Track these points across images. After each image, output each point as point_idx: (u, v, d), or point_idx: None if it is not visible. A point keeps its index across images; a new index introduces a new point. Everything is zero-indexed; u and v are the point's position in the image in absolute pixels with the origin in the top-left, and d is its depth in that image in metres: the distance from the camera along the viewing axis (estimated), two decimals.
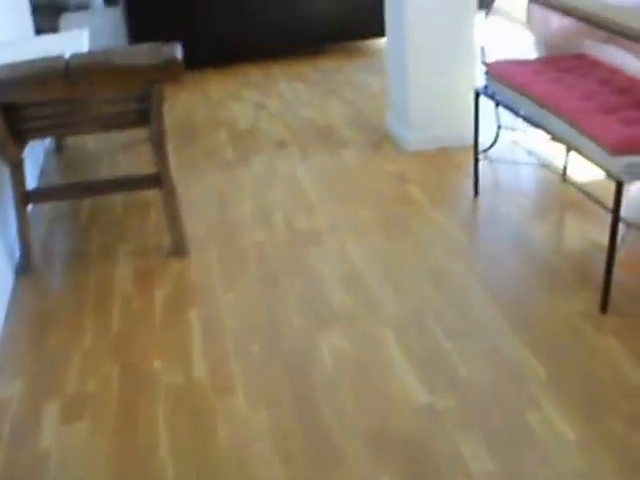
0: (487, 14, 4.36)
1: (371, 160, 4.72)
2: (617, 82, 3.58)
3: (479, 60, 4.44)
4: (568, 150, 3.70)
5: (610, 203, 3.71)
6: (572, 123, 3.24)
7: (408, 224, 3.95)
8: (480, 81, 4.35)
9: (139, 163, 4.85)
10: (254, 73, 6.62)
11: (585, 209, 3.99)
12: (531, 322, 3.09)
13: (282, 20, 6.70)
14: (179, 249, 3.76)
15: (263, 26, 6.68)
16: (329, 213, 4.10)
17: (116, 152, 5.09)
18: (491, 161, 4.56)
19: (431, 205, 4.13)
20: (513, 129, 4.68)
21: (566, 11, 3.65)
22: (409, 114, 4.75)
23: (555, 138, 3.41)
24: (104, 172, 4.80)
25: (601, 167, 3.06)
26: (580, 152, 3.21)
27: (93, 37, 6.65)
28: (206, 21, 6.57)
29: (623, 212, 3.10)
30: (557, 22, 4.21)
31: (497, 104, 3.95)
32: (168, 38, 6.47)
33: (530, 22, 4.51)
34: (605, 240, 3.64)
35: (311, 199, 4.27)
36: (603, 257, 3.48)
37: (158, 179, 3.67)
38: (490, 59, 4.23)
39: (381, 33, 6.77)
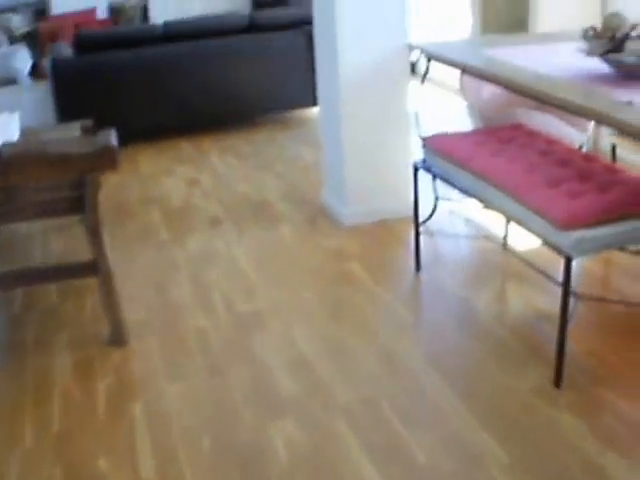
0: (422, 82, 4.36)
1: (309, 236, 4.67)
2: (556, 153, 3.59)
3: (414, 129, 4.44)
4: (509, 220, 3.68)
5: (552, 270, 3.71)
6: (517, 198, 3.23)
7: (351, 303, 3.88)
8: (416, 150, 4.33)
9: (74, 245, 4.73)
10: (186, 147, 6.55)
11: (528, 278, 3.98)
12: (488, 403, 3.04)
13: (213, 92, 6.66)
14: (119, 338, 3.65)
15: (194, 99, 6.62)
16: (270, 294, 4.02)
17: (50, 234, 4.96)
18: (431, 233, 4.54)
19: (373, 282, 4.08)
20: (450, 199, 4.66)
21: (497, 81, 3.66)
22: (345, 187, 4.71)
23: (500, 212, 3.39)
24: (38, 256, 4.67)
25: (549, 243, 3.04)
26: (526, 227, 3.19)
27: (21, 114, 6.52)
28: (136, 96, 6.50)
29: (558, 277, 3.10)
30: (489, 90, 4.22)
31: (435, 178, 3.94)
32: (98, 114, 6.38)
33: (463, 90, 4.53)
34: (550, 309, 3.65)
35: (250, 279, 4.19)
36: (551, 328, 3.46)
37: (94, 267, 3.56)
38: (425, 129, 4.24)
39: (312, 103, 6.75)
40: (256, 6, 9.94)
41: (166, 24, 6.74)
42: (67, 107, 6.44)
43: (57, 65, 6.44)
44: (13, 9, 10.14)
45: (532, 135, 3.86)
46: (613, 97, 3.13)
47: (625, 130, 2.92)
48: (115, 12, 10.19)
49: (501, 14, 6.28)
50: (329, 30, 4.50)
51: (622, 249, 3.84)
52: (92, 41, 6.58)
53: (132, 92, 6.50)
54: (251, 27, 6.83)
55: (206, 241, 4.70)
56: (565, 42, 4.13)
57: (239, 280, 4.19)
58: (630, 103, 3.03)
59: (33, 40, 9.74)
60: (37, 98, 6.69)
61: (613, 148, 4.19)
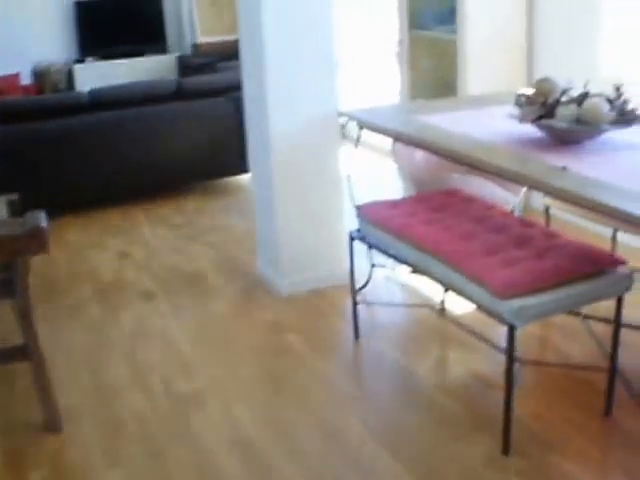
0: (355, 146, 4.35)
1: (244, 308, 4.60)
2: (493, 219, 3.58)
3: (348, 195, 4.41)
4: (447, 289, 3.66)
5: (491, 333, 3.68)
6: (454, 267, 3.21)
7: (292, 377, 3.82)
8: (352, 216, 4.29)
9: (1, 327, 4.58)
10: (116, 219, 6.44)
11: (468, 343, 3.96)
12: (437, 475, 2.98)
13: (141, 161, 6.57)
14: (53, 424, 3.52)
15: (122, 168, 6.53)
16: (208, 371, 3.94)
17: None
18: (367, 301, 4.50)
19: (313, 354, 4.02)
20: (386, 266, 4.63)
21: (431, 149, 3.66)
22: (279, 257, 4.66)
23: (438, 282, 3.36)
24: None
25: (490, 311, 3.02)
26: (466, 296, 3.16)
27: None
28: (63, 167, 6.39)
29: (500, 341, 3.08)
30: (422, 156, 4.23)
31: (371, 247, 3.91)
32: (23, 187, 6.25)
33: (395, 156, 4.53)
34: (492, 373, 3.65)
35: (187, 356, 4.10)
36: (495, 393, 3.45)
37: (25, 351, 3.45)
38: (359, 195, 4.22)
39: (242, 170, 6.71)
40: (183, 73, 9.92)
41: (92, 92, 6.67)
42: None
43: None
44: None
45: (467, 201, 3.86)
46: (547, 163, 3.14)
47: (561, 196, 2.93)
48: (39, 77, 10.07)
49: (429, 77, 6.33)
50: (259, 96, 4.48)
51: None
52: (14, 111, 6.47)
53: (58, 163, 6.38)
54: (179, 94, 6.78)
55: (140, 317, 4.59)
56: (496, 106, 4.17)
57: (176, 358, 4.09)
58: (564, 169, 3.04)
59: None
60: None
61: (547, 210, 4.21)
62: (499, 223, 3.53)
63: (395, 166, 4.51)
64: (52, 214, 6.49)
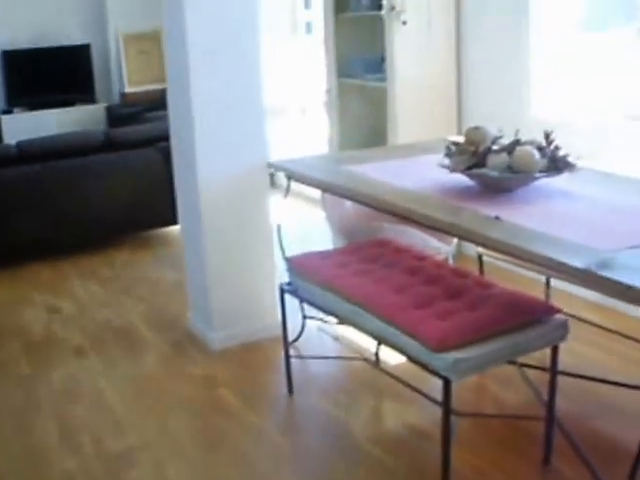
0: (285, 196, 4.31)
1: (176, 363, 4.52)
2: (425, 270, 3.56)
3: (277, 244, 4.36)
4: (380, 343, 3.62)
5: (426, 384, 3.63)
6: (387, 320, 3.17)
7: (226, 433, 3.74)
8: (282, 266, 4.24)
9: None
10: (45, 273, 6.31)
11: (402, 395, 3.92)
12: None
13: (70, 214, 6.47)
14: None
15: (51, 221, 6.42)
16: (140, 429, 3.85)
17: None
18: (301, 354, 4.44)
19: (246, 409, 3.95)
20: (317, 317, 4.58)
21: (361, 200, 3.64)
22: (211, 310, 4.60)
23: (371, 336, 3.33)
24: None
25: (425, 366, 2.98)
26: (400, 350, 3.13)
27: None
28: None
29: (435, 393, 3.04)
30: (350, 204, 4.22)
31: (302, 300, 3.86)
32: None
33: (325, 207, 4.51)
34: (427, 424, 3.64)
35: (118, 414, 4.01)
36: (431, 446, 3.42)
37: None
38: (290, 246, 4.18)
39: (172, 221, 6.61)
40: (112, 123, 9.84)
41: (19, 144, 6.56)
42: None
43: None
44: None
45: (399, 251, 3.84)
46: (480, 213, 3.14)
47: (495, 247, 2.92)
48: None
49: (359, 126, 6.34)
50: (187, 146, 4.45)
51: None
52: None
53: None
54: (107, 145, 6.71)
55: (70, 374, 4.48)
56: (426, 154, 4.18)
57: (106, 415, 4.00)
58: (497, 219, 3.03)
59: None
60: None
61: (480, 257, 4.21)
62: (432, 274, 3.51)
63: (324, 216, 4.48)
64: None
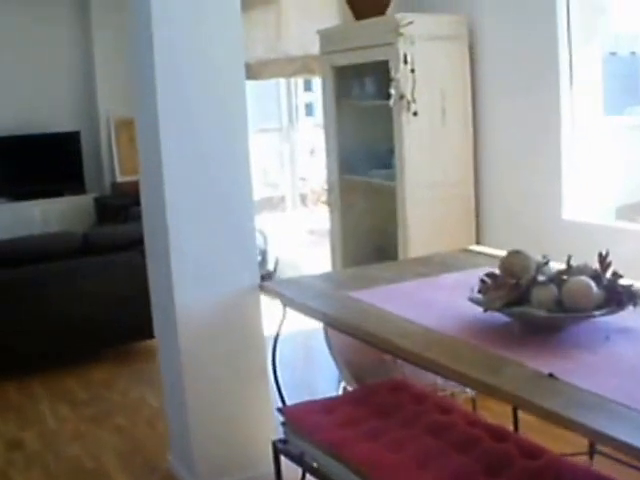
0: (278, 331, 3.59)
1: None
2: (455, 428, 2.85)
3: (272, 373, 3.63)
4: None
5: None
6: None
7: None
8: (276, 404, 3.53)
9: None
10: (11, 393, 5.58)
11: None
12: None
13: (42, 326, 5.76)
14: None
15: (20, 333, 5.71)
16: None
17: None
18: None
19: None
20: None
21: (373, 342, 2.94)
22: (193, 455, 3.85)
23: None
24: None
25: None
26: None
27: None
28: None
29: None
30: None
31: (302, 465, 3.11)
32: None
33: (328, 335, 3.80)
34: None
35: None
36: None
37: None
38: (288, 382, 3.48)
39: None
40: (100, 214, 9.23)
41: None
42: None
43: None
44: None
45: (419, 399, 3.13)
46: (527, 367, 2.42)
47: (553, 420, 2.20)
48: None
49: (365, 228, 5.67)
50: (161, 266, 3.75)
51: None
52: None
53: None
54: (85, 248, 6.03)
55: None
56: (445, 272, 3.52)
57: None
58: (552, 376, 2.33)
59: None
60: None
61: (514, 411, 3.48)
62: (464, 434, 2.80)
63: (328, 349, 3.76)
64: None
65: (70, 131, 9.65)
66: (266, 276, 7.88)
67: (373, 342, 2.91)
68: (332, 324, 3.20)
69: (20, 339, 5.72)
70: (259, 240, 7.90)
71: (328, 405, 3.14)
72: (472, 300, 2.82)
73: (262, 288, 3.69)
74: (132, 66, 3.85)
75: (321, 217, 7.23)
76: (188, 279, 3.65)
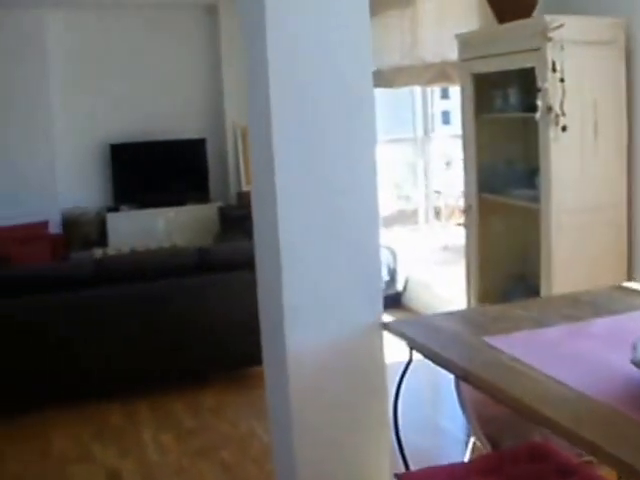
0: (405, 369, 3.10)
1: None
2: None
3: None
4: None
5: None
6: None
7: None
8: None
9: None
10: (115, 416, 5.25)
11: None
12: None
13: (150, 345, 5.42)
14: None
15: (127, 353, 5.40)
16: None
17: None
18: None
19: None
20: None
21: (508, 403, 2.43)
22: None
23: None
24: None
25: None
26: None
27: None
28: (54, 348, 5.29)
29: None
30: None
31: None
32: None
33: (457, 384, 3.28)
34: None
35: None
36: None
37: None
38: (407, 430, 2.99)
39: None
40: (224, 224, 8.90)
41: (98, 262, 5.60)
42: None
43: None
44: None
45: (565, 470, 2.60)
46: None
47: None
48: (68, 226, 9.09)
49: (504, 254, 5.13)
50: (273, 302, 3.28)
51: None
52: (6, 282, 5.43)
53: (48, 344, 5.26)
54: (201, 265, 5.65)
55: None
56: (598, 316, 2.99)
57: None
58: None
59: None
60: None
61: None
62: None
63: (457, 399, 3.24)
64: (36, 405, 5.34)
65: (196, 138, 9.40)
66: (394, 297, 7.41)
67: (513, 407, 2.40)
68: (465, 379, 2.70)
69: (127, 358, 5.39)
70: (388, 258, 7.44)
71: (455, 473, 2.64)
72: (636, 364, 2.27)
73: (386, 327, 3.19)
74: (246, 71, 3.40)
75: (456, 232, 6.75)
76: (301, 311, 3.16)
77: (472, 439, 3.13)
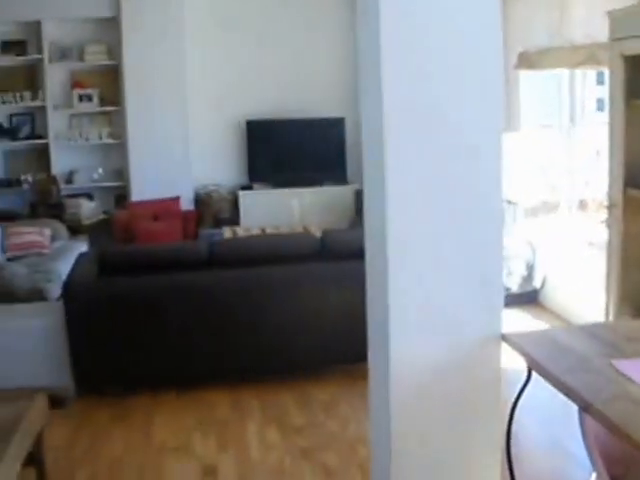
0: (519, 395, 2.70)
1: None
2: None
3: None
4: None
5: None
6: None
7: None
8: None
9: None
10: (220, 404, 4.99)
11: None
12: None
13: (263, 333, 5.16)
14: None
15: (239, 340, 5.15)
16: None
17: None
18: None
19: None
20: None
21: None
22: None
23: None
24: None
25: None
26: None
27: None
28: (167, 331, 5.11)
29: None
30: None
31: None
32: (118, 353, 5.01)
33: (581, 417, 2.83)
34: None
35: None
36: None
37: None
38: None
39: None
40: (360, 210, 8.55)
41: (212, 245, 5.36)
42: (80, 345, 5.03)
43: (71, 289, 5.08)
44: (89, 195, 9.01)
45: None
46: None
47: None
48: (200, 203, 8.97)
49: None
50: (379, 309, 2.93)
51: None
52: (118, 262, 5.25)
53: (162, 326, 5.06)
54: (321, 253, 5.34)
55: None
56: None
57: None
58: None
59: (105, 230, 8.56)
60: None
61: None
62: None
63: (581, 434, 2.80)
64: (147, 387, 5.14)
65: (335, 117, 9.11)
66: (531, 294, 6.95)
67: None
68: (592, 415, 2.28)
69: (239, 345, 5.14)
70: (526, 252, 6.98)
71: None
72: None
73: (505, 339, 2.78)
74: (361, 52, 3.02)
75: (602, 228, 6.22)
76: (408, 313, 2.79)
77: (594, 475, 2.70)
